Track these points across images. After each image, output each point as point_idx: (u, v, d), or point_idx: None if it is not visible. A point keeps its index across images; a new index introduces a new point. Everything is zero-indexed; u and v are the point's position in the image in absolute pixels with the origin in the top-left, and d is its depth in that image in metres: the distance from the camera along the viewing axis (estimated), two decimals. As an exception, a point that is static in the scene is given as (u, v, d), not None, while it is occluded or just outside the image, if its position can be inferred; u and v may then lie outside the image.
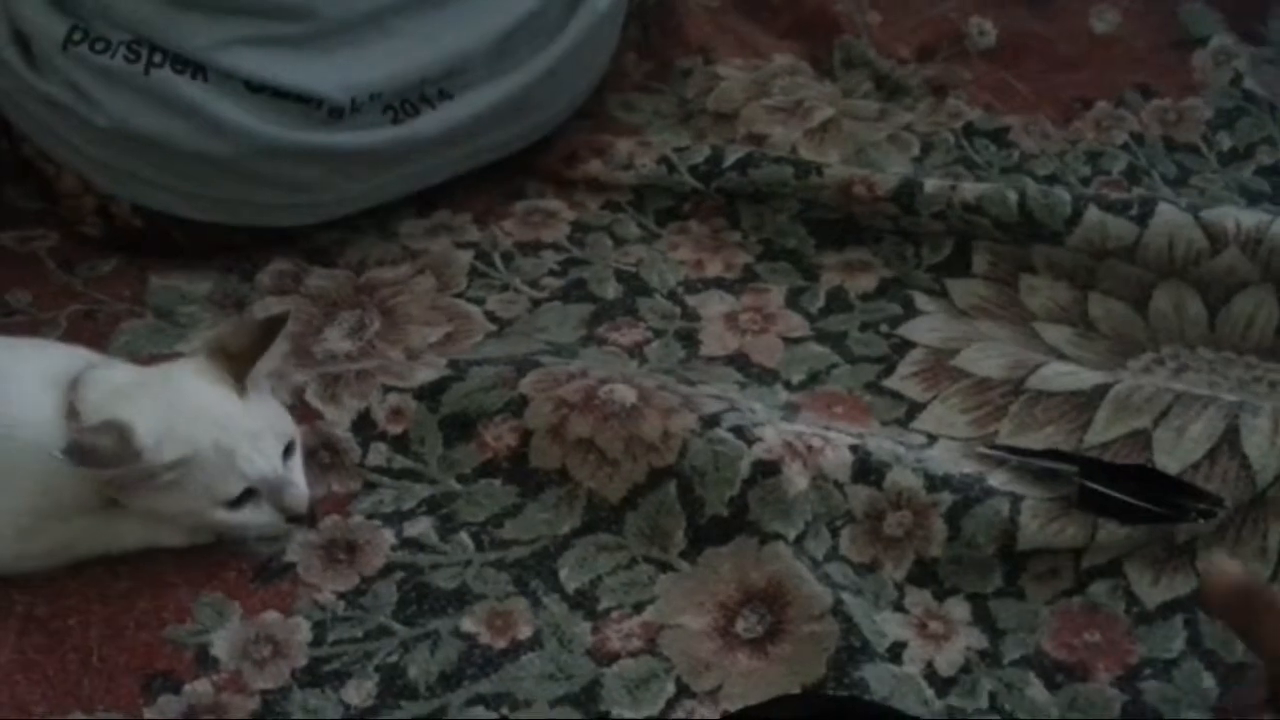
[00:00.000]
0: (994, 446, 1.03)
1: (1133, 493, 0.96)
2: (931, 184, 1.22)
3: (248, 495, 0.91)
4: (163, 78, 1.09)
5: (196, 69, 1.10)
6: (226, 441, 0.90)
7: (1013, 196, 1.19)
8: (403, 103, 1.18)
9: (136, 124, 1.11)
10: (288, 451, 0.94)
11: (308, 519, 0.97)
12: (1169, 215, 1.16)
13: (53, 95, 1.11)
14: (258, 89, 1.11)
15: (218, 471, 0.90)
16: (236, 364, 0.93)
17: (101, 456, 0.86)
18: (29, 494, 0.91)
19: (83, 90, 1.10)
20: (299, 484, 0.94)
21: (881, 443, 1.02)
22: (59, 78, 1.11)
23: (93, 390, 0.91)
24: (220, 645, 0.92)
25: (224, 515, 0.91)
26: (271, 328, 0.94)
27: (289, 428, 0.95)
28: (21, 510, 0.91)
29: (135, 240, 1.20)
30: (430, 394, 1.06)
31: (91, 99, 1.10)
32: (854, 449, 1.00)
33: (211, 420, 0.90)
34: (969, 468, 1.01)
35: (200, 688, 0.90)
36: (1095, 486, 0.97)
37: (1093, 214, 1.17)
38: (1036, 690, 0.91)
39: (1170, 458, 1.00)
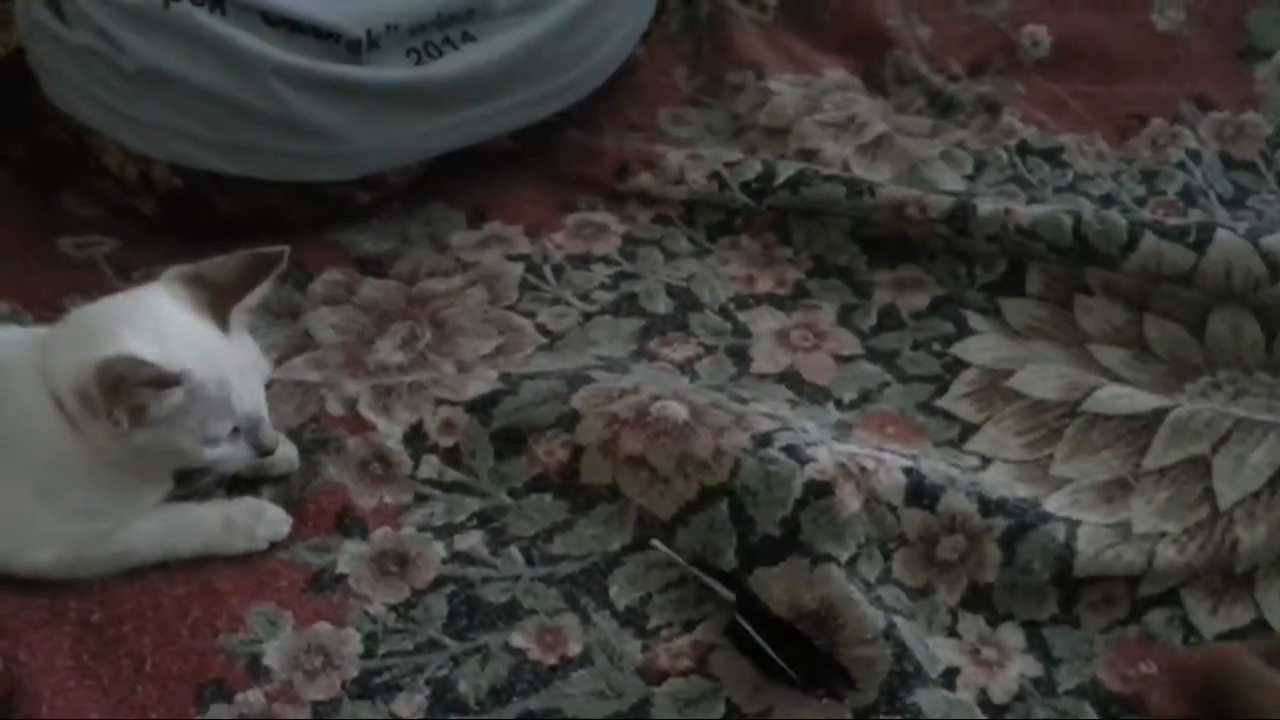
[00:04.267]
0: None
1: (780, 645, 0.90)
2: (985, 207, 1.21)
3: (231, 432, 0.91)
4: (182, 11, 1.14)
5: (214, 3, 1.14)
6: (224, 376, 0.89)
7: (1068, 222, 1.18)
8: (425, 44, 1.21)
9: (160, 62, 1.14)
10: None
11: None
12: (1227, 242, 1.15)
13: (83, 44, 1.15)
14: (275, 23, 1.15)
15: (213, 408, 0.88)
16: (217, 296, 0.92)
17: (137, 376, 0.84)
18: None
19: (109, 34, 1.14)
20: (269, 420, 0.93)
21: (935, 465, 1.02)
22: (88, 25, 1.15)
23: (64, 329, 0.91)
24: (272, 655, 0.93)
25: (207, 451, 0.90)
26: (262, 263, 0.94)
27: (266, 365, 0.94)
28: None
29: (181, 208, 1.22)
30: (482, 407, 1.07)
31: (118, 42, 1.14)
32: (908, 471, 1.00)
33: (204, 353, 0.89)
34: (1024, 492, 1.00)
35: (252, 697, 0.90)
36: (746, 626, 0.91)
37: (1149, 240, 1.16)
38: (1092, 721, 0.91)
39: (1230, 485, 0.99)
